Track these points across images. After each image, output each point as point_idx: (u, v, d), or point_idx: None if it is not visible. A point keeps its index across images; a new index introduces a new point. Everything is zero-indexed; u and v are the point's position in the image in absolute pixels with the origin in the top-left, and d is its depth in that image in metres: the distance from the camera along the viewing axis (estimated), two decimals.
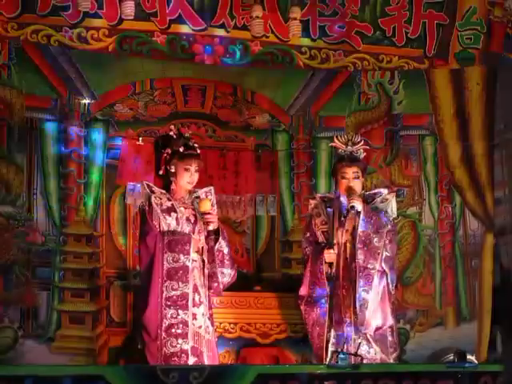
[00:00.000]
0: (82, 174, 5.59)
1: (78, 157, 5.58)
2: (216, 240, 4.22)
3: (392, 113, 6.07)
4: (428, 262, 6.02)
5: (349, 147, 4.56)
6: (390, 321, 4.44)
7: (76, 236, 5.55)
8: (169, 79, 5.77)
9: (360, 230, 4.34)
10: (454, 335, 5.94)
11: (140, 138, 5.67)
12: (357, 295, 4.32)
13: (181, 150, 4.19)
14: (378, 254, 4.33)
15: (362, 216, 4.33)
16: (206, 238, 4.23)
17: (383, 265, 4.37)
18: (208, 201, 4.20)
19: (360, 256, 4.33)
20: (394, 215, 4.53)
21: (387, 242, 4.39)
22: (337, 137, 4.66)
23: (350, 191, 4.42)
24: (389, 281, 4.42)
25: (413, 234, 6.03)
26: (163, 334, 4.07)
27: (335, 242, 4.41)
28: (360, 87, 6.02)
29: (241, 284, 5.07)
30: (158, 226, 4.13)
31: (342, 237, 4.44)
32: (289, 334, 5.39)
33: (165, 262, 4.10)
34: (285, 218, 5.92)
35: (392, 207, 4.52)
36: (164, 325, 4.07)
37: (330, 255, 4.37)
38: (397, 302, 5.69)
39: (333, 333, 4.38)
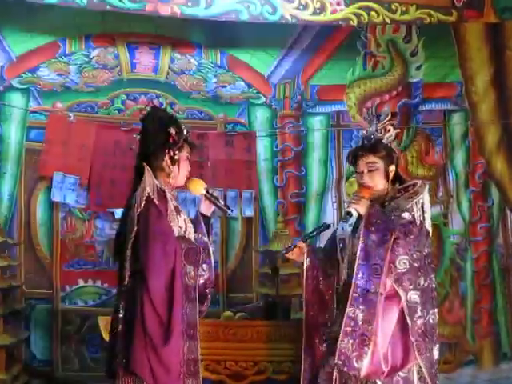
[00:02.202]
0: None
1: None
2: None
3: (408, 81, 6.08)
4: (456, 280, 6.02)
5: (372, 127, 4.40)
6: (413, 357, 4.21)
7: None
8: (110, 35, 5.78)
9: (361, 241, 4.21)
10: (491, 377, 5.95)
11: (71, 114, 5.65)
12: (346, 328, 4.16)
13: (185, 132, 4.22)
14: (381, 271, 4.18)
15: (363, 222, 4.23)
16: None
17: (395, 286, 4.19)
18: (200, 181, 4.29)
19: (360, 275, 4.20)
20: (426, 215, 4.27)
21: (396, 253, 4.20)
22: (364, 116, 4.78)
23: (357, 190, 4.33)
24: (408, 304, 4.19)
25: (436, 243, 5.97)
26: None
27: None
28: (366, 47, 6.04)
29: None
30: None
31: (351, 247, 4.33)
32: (269, 374, 5.25)
33: (185, 278, 4.08)
34: (265, 221, 5.88)
35: (423, 203, 4.30)
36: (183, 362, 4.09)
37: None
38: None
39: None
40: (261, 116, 5.94)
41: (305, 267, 4.31)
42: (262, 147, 5.91)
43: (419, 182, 4.43)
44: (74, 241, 5.63)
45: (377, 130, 4.36)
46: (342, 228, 4.42)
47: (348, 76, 5.97)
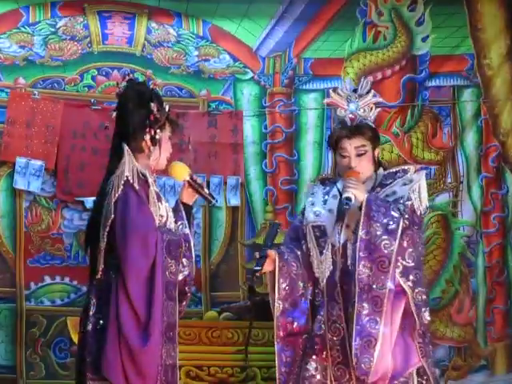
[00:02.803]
0: None
1: None
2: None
3: (414, 54, 6.04)
4: (466, 276, 5.98)
5: (352, 104, 4.37)
6: (416, 360, 4.19)
7: None
8: (79, 3, 5.77)
9: (362, 230, 4.16)
10: None
11: (36, 92, 5.59)
12: (357, 328, 4.10)
13: (167, 108, 4.15)
14: (389, 264, 4.13)
15: (364, 209, 4.16)
16: None
17: (401, 281, 4.17)
18: (184, 166, 4.23)
19: (363, 269, 4.14)
20: (424, 205, 4.34)
21: (405, 245, 4.18)
22: (334, 90, 4.50)
23: (348, 173, 4.29)
24: (411, 304, 4.21)
25: (444, 235, 5.97)
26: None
27: (331, 242, 4.27)
28: (366, 16, 5.99)
29: (187, 308, 4.69)
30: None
31: (339, 236, 4.28)
32: (258, 381, 5.27)
33: (166, 273, 4.01)
34: (253, 211, 5.81)
35: (420, 193, 4.31)
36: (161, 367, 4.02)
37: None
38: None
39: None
40: (248, 93, 5.93)
41: (277, 272, 4.25)
42: (250, 128, 5.89)
43: (411, 167, 4.42)
44: (39, 233, 5.57)
45: (358, 109, 4.33)
46: (316, 214, 4.37)
47: (346, 48, 5.98)
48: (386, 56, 5.93)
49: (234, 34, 5.86)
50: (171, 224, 4.15)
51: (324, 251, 4.35)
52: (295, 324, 4.30)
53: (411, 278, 4.20)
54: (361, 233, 4.17)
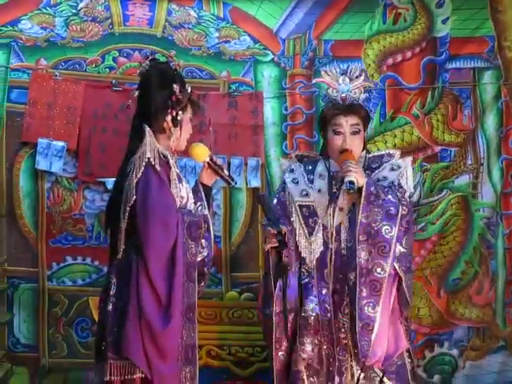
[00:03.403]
0: None
1: None
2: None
3: (434, 36, 5.99)
4: (486, 258, 5.94)
5: (343, 85, 4.48)
6: (404, 344, 4.39)
7: None
8: None
9: (362, 214, 4.28)
10: None
11: (57, 73, 5.59)
12: (357, 311, 4.27)
13: (189, 90, 4.21)
14: (390, 249, 4.26)
15: (364, 193, 4.28)
16: None
17: (396, 266, 4.32)
18: (205, 147, 4.30)
19: (362, 253, 4.27)
20: (411, 190, 4.52)
21: (402, 231, 4.35)
22: (325, 71, 4.65)
23: (344, 155, 4.38)
24: (404, 288, 4.39)
25: (464, 216, 5.96)
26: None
27: (323, 223, 4.41)
28: None
29: (208, 289, 5.06)
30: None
31: (332, 218, 4.38)
32: None
33: (187, 254, 4.07)
34: (273, 192, 5.74)
35: (407, 178, 4.48)
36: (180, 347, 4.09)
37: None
38: (439, 315, 5.91)
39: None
40: (268, 75, 5.89)
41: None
42: (270, 110, 5.86)
43: (396, 152, 4.55)
44: (61, 214, 5.57)
45: (350, 91, 4.44)
46: (303, 194, 4.44)
47: (366, 30, 5.92)
48: (406, 38, 5.92)
49: (255, 16, 5.84)
50: (191, 205, 4.20)
51: (314, 232, 4.38)
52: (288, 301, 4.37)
53: (405, 263, 4.34)
54: (360, 216, 4.25)
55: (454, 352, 5.86)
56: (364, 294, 4.24)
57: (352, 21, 5.92)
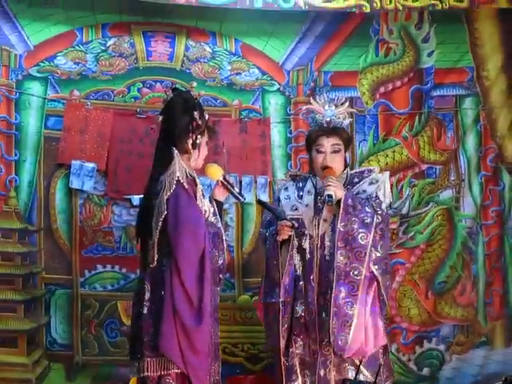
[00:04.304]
0: (13, 150, 5.70)
1: (7, 126, 5.69)
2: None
3: (420, 67, 6.18)
4: (468, 263, 6.12)
5: (328, 111, 4.65)
6: (383, 340, 4.55)
7: (5, 231, 5.64)
8: (127, 24, 5.91)
9: (340, 223, 4.42)
10: (504, 358, 6.06)
11: (89, 102, 5.79)
12: (334, 309, 4.40)
13: (206, 117, 4.38)
14: (365, 254, 4.42)
15: (342, 205, 4.43)
16: None
17: (373, 268, 4.47)
18: (219, 167, 4.43)
19: (340, 258, 4.42)
20: (387, 202, 4.61)
21: (377, 238, 4.48)
22: (314, 98, 4.78)
23: (326, 171, 4.53)
24: (382, 290, 4.52)
25: (448, 226, 6.12)
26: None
27: (307, 233, 4.54)
28: (378, 34, 6.14)
29: (223, 293, 5.22)
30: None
31: (317, 229, 4.55)
32: None
33: (212, 261, 4.22)
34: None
35: (384, 191, 4.60)
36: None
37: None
38: (427, 315, 6.01)
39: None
40: (274, 103, 6.06)
41: (290, 247, 4.47)
42: (276, 133, 6.03)
43: (376, 168, 4.71)
44: (92, 227, 5.73)
45: (335, 116, 4.59)
46: (293, 208, 4.61)
47: (361, 62, 6.08)
48: (396, 69, 6.09)
49: (263, 51, 6.01)
50: (211, 218, 4.32)
51: (302, 241, 4.52)
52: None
53: (382, 266, 4.48)
54: (339, 225, 4.39)
55: (442, 347, 6.02)
56: (342, 294, 4.37)
57: (348, 54, 6.06)
